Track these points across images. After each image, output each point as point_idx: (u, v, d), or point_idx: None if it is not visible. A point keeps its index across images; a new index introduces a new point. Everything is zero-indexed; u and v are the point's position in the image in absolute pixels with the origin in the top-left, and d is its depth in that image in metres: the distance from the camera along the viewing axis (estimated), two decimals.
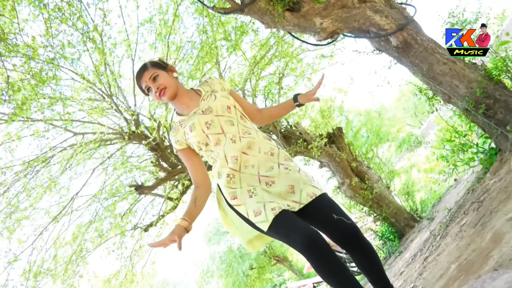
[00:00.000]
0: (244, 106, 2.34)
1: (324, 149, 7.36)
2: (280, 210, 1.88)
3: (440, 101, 4.46)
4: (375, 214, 7.75)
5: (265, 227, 1.87)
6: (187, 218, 2.05)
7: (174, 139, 2.24)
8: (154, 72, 2.20)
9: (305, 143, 7.22)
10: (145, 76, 2.20)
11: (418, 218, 7.63)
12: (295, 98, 2.39)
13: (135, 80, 2.21)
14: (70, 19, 5.32)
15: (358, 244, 1.96)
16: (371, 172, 8.23)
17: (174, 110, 2.37)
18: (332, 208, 1.97)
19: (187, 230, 2.03)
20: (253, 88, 7.27)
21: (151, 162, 6.88)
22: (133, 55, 6.24)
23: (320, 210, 1.97)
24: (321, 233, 1.91)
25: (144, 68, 2.24)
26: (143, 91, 2.27)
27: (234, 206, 2.04)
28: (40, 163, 6.24)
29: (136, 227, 7.35)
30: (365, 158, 8.77)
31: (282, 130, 7.43)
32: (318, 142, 7.16)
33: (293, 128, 7.62)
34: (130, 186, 6.83)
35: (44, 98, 5.63)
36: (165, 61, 2.37)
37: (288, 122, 7.69)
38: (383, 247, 7.87)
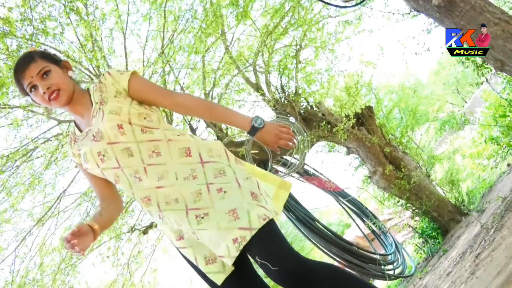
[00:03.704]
0: (157, 100, 1.91)
1: (351, 132, 7.34)
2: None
3: (491, 70, 4.43)
4: (413, 208, 7.74)
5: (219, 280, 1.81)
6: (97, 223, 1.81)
7: (71, 152, 2.02)
8: (45, 66, 1.84)
9: (329, 126, 7.21)
10: (32, 69, 1.82)
11: (465, 211, 7.60)
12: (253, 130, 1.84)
13: (13, 73, 1.88)
14: None
15: None
16: (407, 158, 8.22)
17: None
18: (267, 245, 1.68)
19: (94, 231, 1.76)
20: (265, 63, 7.27)
21: None
22: (124, 27, 6.26)
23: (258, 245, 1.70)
24: None
25: (30, 58, 1.85)
26: (22, 89, 1.88)
27: (179, 249, 1.92)
28: (20, 157, 6.31)
29: (133, 229, 7.42)
30: (400, 142, 8.74)
31: (301, 112, 7.43)
32: (345, 124, 7.13)
33: (315, 108, 7.61)
34: None
35: None
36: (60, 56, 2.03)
37: (308, 102, 7.68)
38: (424, 246, 7.88)
